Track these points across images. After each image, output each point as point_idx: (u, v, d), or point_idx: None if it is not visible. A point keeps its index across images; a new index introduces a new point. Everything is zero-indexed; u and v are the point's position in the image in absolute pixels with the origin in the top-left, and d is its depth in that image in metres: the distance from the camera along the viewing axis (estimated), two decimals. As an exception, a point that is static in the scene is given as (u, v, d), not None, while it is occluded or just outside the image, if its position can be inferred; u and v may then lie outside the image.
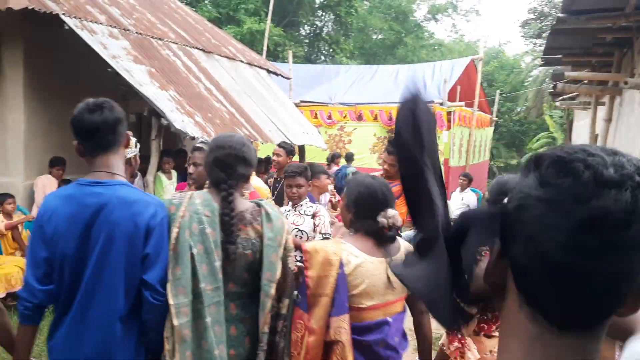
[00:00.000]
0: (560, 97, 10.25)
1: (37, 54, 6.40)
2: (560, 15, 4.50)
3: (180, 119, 5.86)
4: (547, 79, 19.65)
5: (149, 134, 7.63)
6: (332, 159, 9.91)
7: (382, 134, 11.53)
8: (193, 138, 5.95)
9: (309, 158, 10.00)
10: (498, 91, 19.33)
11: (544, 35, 21.23)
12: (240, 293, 2.18)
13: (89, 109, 2.02)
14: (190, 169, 3.31)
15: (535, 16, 23.04)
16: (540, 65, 11.60)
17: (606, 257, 0.65)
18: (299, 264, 2.43)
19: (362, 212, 2.30)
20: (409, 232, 5.45)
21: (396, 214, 2.28)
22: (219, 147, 2.22)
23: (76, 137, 2.05)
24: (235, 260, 2.13)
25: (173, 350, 2.01)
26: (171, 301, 1.98)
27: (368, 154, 11.66)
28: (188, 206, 2.12)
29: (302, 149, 9.24)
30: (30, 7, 5.47)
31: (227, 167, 2.19)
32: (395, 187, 4.45)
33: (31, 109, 6.40)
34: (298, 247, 2.55)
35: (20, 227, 5.86)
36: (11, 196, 5.80)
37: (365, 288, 2.21)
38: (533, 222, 0.69)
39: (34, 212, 6.21)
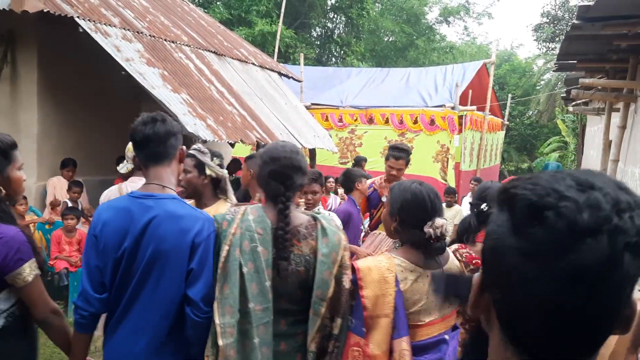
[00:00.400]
0: (573, 103, 10.17)
1: (51, 56, 6.45)
2: (575, 22, 4.46)
3: (192, 122, 5.88)
4: (559, 83, 19.54)
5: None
6: (357, 162, 9.86)
7: (393, 137, 11.49)
8: (205, 141, 5.96)
9: (319, 161, 10.00)
10: (510, 95, 19.23)
11: (557, 38, 21.10)
12: (293, 310, 2.10)
13: (143, 122, 2.09)
14: (180, 176, 3.23)
15: (548, 20, 22.88)
16: (554, 71, 11.51)
17: (589, 305, 0.64)
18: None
19: (408, 221, 2.16)
20: None
21: (445, 223, 2.14)
22: (274, 159, 2.12)
23: (134, 149, 2.15)
24: (287, 277, 2.05)
25: None
26: (217, 320, 1.97)
27: (379, 157, 11.62)
28: (240, 223, 2.07)
29: (312, 152, 9.24)
30: (45, 10, 5.52)
31: (285, 178, 2.09)
32: None
33: (44, 110, 6.46)
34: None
35: (32, 228, 5.91)
36: (23, 197, 5.84)
37: (424, 304, 2.09)
38: (509, 273, 0.68)
39: (46, 213, 6.25)
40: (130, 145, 3.56)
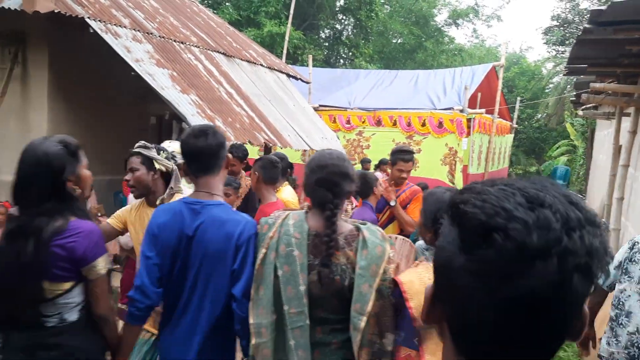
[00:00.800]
0: (583, 107, 10.11)
1: (62, 56, 6.49)
2: (587, 25, 4.43)
3: (201, 123, 5.89)
4: (568, 86, 19.43)
5: (169, 136, 7.68)
6: (362, 164, 9.81)
7: (401, 139, 11.47)
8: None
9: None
10: (518, 98, 19.15)
11: (567, 42, 20.98)
12: (329, 319, 2.11)
13: (194, 135, 2.21)
14: (127, 176, 2.98)
15: (558, 23, 22.77)
16: (564, 75, 11.44)
17: (538, 325, 0.64)
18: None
19: None
20: (420, 242, 5.37)
21: None
22: (321, 167, 2.14)
23: (183, 158, 2.28)
24: (324, 285, 2.06)
25: None
26: (251, 320, 2.06)
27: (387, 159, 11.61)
28: (280, 227, 2.13)
29: (320, 153, 9.23)
30: (56, 11, 5.55)
31: (333, 185, 2.11)
32: (403, 195, 4.45)
33: (54, 109, 6.49)
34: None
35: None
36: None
37: None
38: (459, 291, 0.67)
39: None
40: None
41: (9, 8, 5.68)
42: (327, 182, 2.10)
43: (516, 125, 18.47)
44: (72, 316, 2.09)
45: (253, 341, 2.05)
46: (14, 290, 1.98)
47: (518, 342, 0.65)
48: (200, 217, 2.15)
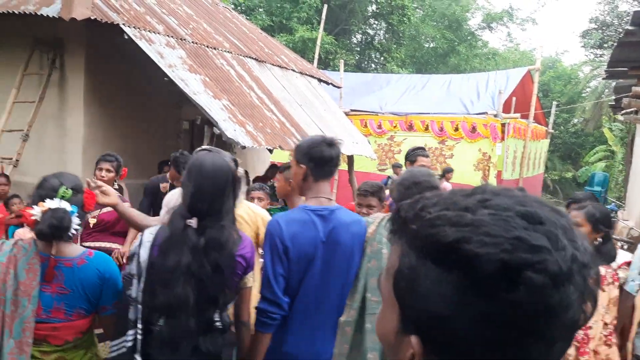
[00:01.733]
0: (623, 111, 9.81)
1: (98, 61, 6.61)
2: (629, 27, 4.29)
3: (232, 128, 5.91)
4: (606, 90, 18.93)
5: (201, 141, 7.75)
6: (443, 174, 9.55)
7: (433, 144, 11.33)
8: (244, 147, 5.99)
9: (357, 167, 9.93)
10: (554, 102, 18.74)
11: (605, 45, 20.47)
12: None
13: (328, 144, 2.40)
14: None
15: (596, 26, 22.23)
16: (604, 78, 11.13)
17: (569, 345, 0.61)
18: None
19: None
20: None
21: None
22: (416, 183, 2.45)
23: (309, 163, 2.38)
24: None
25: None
26: (347, 302, 2.41)
27: (418, 164, 11.47)
28: (376, 227, 2.49)
29: (351, 158, 9.18)
30: (92, 17, 5.65)
31: None
32: None
33: (90, 114, 6.61)
34: None
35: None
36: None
37: None
38: (480, 343, 0.58)
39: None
40: None
41: (47, 15, 5.82)
42: None
43: (552, 130, 18.08)
44: (228, 319, 2.28)
45: (343, 318, 2.37)
46: (212, 299, 2.12)
47: None
48: (330, 222, 2.34)
